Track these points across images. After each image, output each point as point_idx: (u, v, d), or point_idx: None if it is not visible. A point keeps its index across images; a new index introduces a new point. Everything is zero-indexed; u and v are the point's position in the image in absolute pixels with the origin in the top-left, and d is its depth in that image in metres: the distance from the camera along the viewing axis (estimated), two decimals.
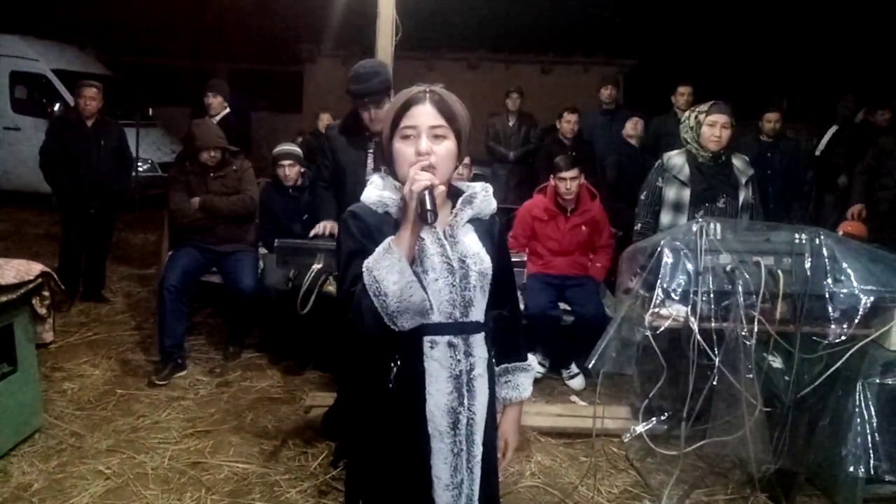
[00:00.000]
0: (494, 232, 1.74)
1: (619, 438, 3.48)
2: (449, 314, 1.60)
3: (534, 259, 4.33)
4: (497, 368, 1.80)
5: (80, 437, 3.41)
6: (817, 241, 2.87)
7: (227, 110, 5.90)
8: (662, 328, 2.76)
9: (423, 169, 1.51)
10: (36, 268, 3.30)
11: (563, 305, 4.32)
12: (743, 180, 3.57)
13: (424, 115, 1.57)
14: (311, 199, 3.80)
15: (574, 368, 4.30)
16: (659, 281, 2.80)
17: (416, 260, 1.54)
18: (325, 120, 7.07)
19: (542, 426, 3.68)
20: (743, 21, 11.08)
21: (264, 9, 11.96)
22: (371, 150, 3.06)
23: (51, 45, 9.84)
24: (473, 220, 1.69)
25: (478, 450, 1.66)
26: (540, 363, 4.37)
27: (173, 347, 4.16)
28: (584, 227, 4.40)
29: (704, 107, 3.53)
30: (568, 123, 6.12)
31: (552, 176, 4.39)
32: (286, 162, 4.51)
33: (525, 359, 1.88)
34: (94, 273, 5.53)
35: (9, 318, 3.20)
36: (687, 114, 3.68)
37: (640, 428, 2.97)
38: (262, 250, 4.63)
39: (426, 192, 1.47)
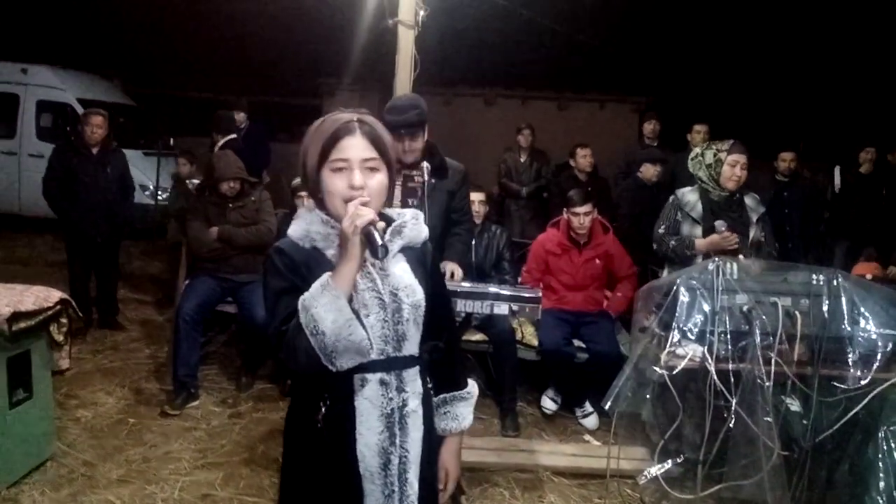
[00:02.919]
0: (427, 261, 1.70)
1: (633, 480, 3.42)
2: (381, 350, 1.55)
3: (548, 294, 4.30)
4: (435, 399, 1.74)
5: (92, 466, 3.41)
6: (835, 282, 2.85)
7: (230, 136, 5.96)
8: (679, 368, 2.74)
9: (362, 204, 1.48)
10: (55, 295, 3.34)
11: (577, 342, 4.29)
12: (754, 218, 3.59)
13: (356, 147, 1.53)
14: None
15: (588, 407, 4.25)
16: (675, 320, 2.79)
17: (351, 297, 1.49)
18: None
19: (555, 466, 3.64)
20: (759, 61, 11.14)
21: (285, 43, 12.19)
22: (399, 182, 3.08)
23: (77, 76, 10.08)
24: (405, 250, 1.65)
25: (412, 489, 1.60)
26: (552, 399, 4.33)
27: (187, 377, 4.17)
28: (597, 261, 4.38)
29: (724, 145, 3.53)
30: (584, 159, 6.16)
31: (565, 210, 4.38)
32: (303, 193, 4.56)
33: (464, 387, 1.81)
34: (107, 300, 5.56)
35: (26, 345, 3.22)
36: (697, 151, 3.67)
37: (656, 470, 2.92)
38: None
39: (371, 227, 1.44)
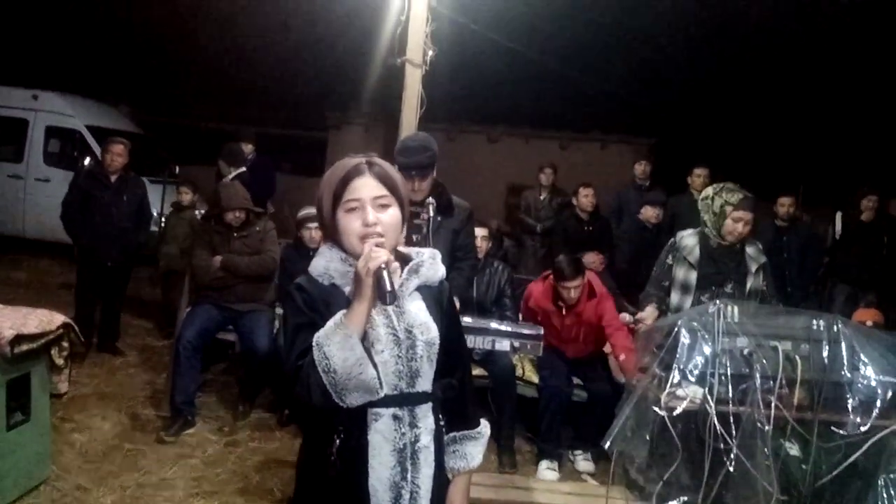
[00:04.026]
0: (443, 299, 1.73)
1: None
2: (394, 386, 1.57)
3: (548, 336, 4.27)
4: (446, 437, 1.75)
5: (86, 490, 3.38)
6: (835, 328, 2.88)
7: (240, 170, 5.98)
8: (679, 409, 2.74)
9: (377, 245, 1.51)
10: (58, 318, 3.35)
11: (576, 380, 4.28)
12: (753, 268, 3.50)
13: (367, 186, 1.58)
14: None
15: (584, 450, 4.21)
16: (676, 361, 2.81)
17: (365, 334, 1.52)
18: None
19: None
20: (761, 104, 11.31)
21: (294, 75, 12.38)
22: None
23: (86, 102, 10.21)
24: (422, 288, 1.68)
25: None
26: (586, 460, 4.20)
27: (184, 404, 4.16)
28: (583, 322, 4.20)
29: (733, 197, 3.41)
30: (586, 198, 6.21)
31: (554, 277, 4.13)
32: (312, 225, 4.60)
33: (475, 426, 1.82)
34: (109, 325, 5.57)
35: (27, 367, 3.22)
36: (709, 192, 3.54)
37: None
38: (279, 310, 4.67)
39: (383, 271, 1.47)
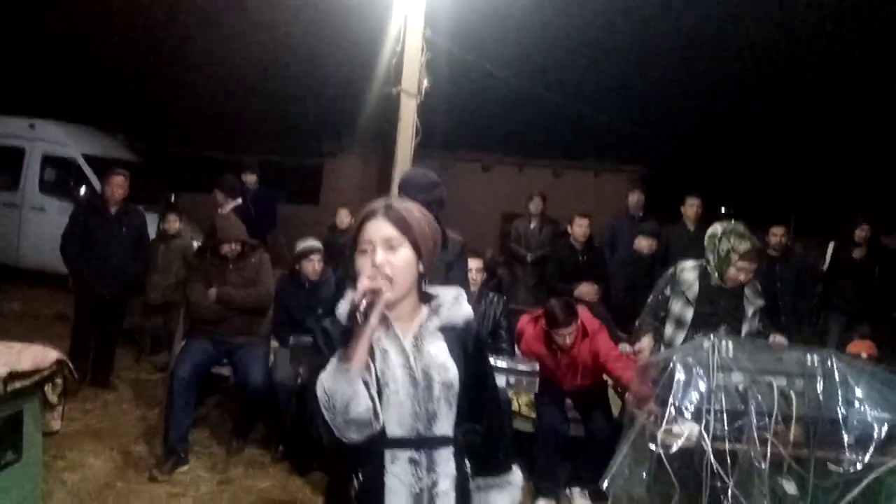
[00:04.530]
0: (469, 341, 1.72)
1: None
2: (411, 427, 1.58)
3: (543, 370, 4.23)
4: (471, 484, 1.73)
5: None
6: (829, 363, 2.89)
7: (237, 202, 5.98)
8: (675, 447, 2.74)
9: (375, 279, 1.54)
10: (52, 355, 3.32)
11: (573, 414, 4.26)
12: (750, 312, 3.49)
13: (377, 229, 1.62)
14: (338, 296, 3.81)
15: (581, 488, 4.17)
16: (671, 397, 2.81)
17: (371, 369, 1.53)
18: (342, 215, 7.23)
19: None
20: (754, 134, 11.45)
21: (289, 104, 12.49)
22: None
23: (83, 131, 10.24)
24: (446, 329, 1.68)
25: None
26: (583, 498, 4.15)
27: (177, 441, 4.11)
28: (577, 364, 4.09)
29: (741, 246, 3.36)
30: (580, 228, 6.22)
31: (547, 324, 3.99)
32: (314, 257, 4.60)
33: (503, 473, 1.79)
34: (104, 358, 5.54)
35: (20, 405, 3.18)
36: (717, 231, 3.47)
37: None
38: (274, 343, 4.66)
39: (363, 300, 1.50)
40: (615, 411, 4.25)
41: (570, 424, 4.21)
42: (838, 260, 6.22)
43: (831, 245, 6.35)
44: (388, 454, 1.57)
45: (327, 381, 1.48)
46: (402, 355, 1.60)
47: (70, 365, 3.43)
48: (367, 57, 6.78)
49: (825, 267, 6.39)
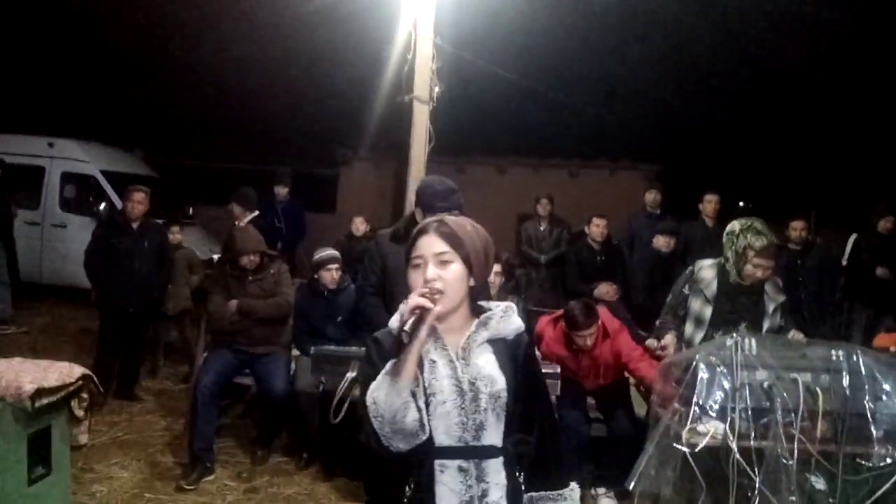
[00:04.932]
0: (519, 353, 1.74)
1: None
2: (459, 437, 1.60)
3: (564, 371, 4.21)
4: (525, 497, 1.73)
5: None
6: (854, 357, 2.85)
7: (254, 214, 6.00)
8: (700, 446, 2.71)
9: (429, 294, 1.57)
10: (77, 370, 3.37)
11: (595, 414, 4.24)
12: (770, 308, 3.43)
13: (429, 244, 1.67)
14: (358, 304, 3.84)
15: (606, 488, 4.16)
16: (695, 396, 2.78)
17: (419, 381, 1.57)
18: (358, 223, 7.27)
19: None
20: (771, 128, 11.32)
21: (303, 114, 12.57)
22: None
23: (100, 148, 10.40)
24: (496, 341, 1.71)
25: None
26: (609, 497, 4.11)
27: (202, 451, 4.16)
28: (599, 364, 4.07)
29: (757, 242, 3.30)
30: (597, 228, 6.21)
31: (567, 326, 3.96)
32: (332, 266, 4.62)
33: (559, 487, 1.78)
34: (129, 371, 5.61)
35: (48, 421, 3.23)
36: (735, 228, 3.42)
37: None
38: (295, 352, 4.69)
39: (413, 314, 1.55)
40: (638, 410, 4.23)
41: (592, 425, 4.20)
42: (859, 249, 6.13)
43: (852, 237, 6.25)
44: (437, 464, 1.60)
45: (377, 391, 1.52)
46: (449, 366, 1.63)
47: (95, 379, 3.48)
48: (378, 66, 6.81)
49: (845, 260, 6.30)
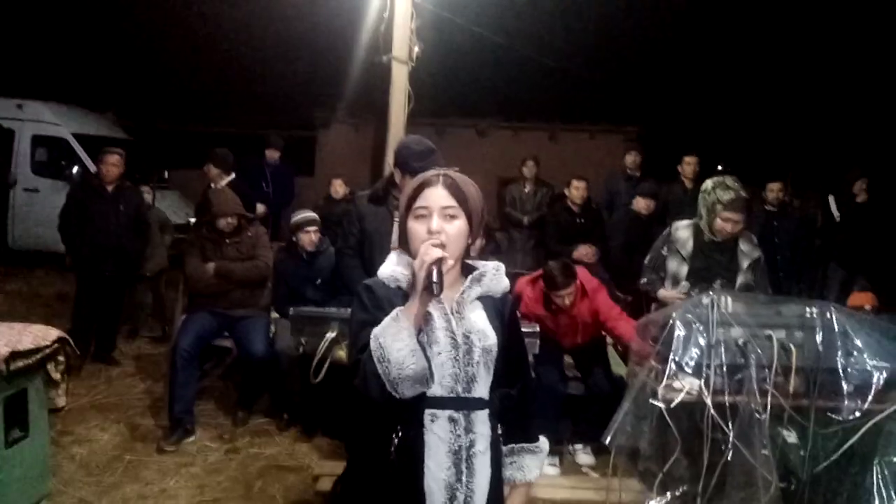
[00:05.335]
0: (505, 311, 1.78)
1: None
2: (451, 388, 1.63)
3: (542, 329, 4.24)
4: (504, 448, 1.80)
5: (89, 503, 3.38)
6: (828, 314, 2.89)
7: (231, 177, 5.89)
8: (676, 401, 2.76)
9: (433, 245, 1.58)
10: (53, 333, 3.33)
11: (572, 373, 4.30)
12: (745, 264, 3.52)
13: (436, 196, 1.66)
14: (337, 266, 3.84)
15: (584, 444, 4.23)
16: (672, 353, 2.82)
17: (422, 331, 1.59)
18: (337, 186, 7.21)
19: (553, 498, 3.62)
20: (749, 90, 11.34)
21: (280, 75, 12.34)
22: (397, 220, 3.13)
23: (71, 110, 10.16)
24: (484, 298, 1.74)
25: None
26: (586, 454, 4.20)
27: (183, 413, 4.16)
28: (577, 323, 4.11)
29: (725, 196, 3.40)
30: (577, 191, 6.21)
31: (546, 286, 3.99)
32: (311, 228, 4.58)
33: (534, 440, 1.86)
34: (106, 335, 5.57)
35: (23, 383, 3.21)
36: (708, 185, 3.52)
37: (655, 502, 2.92)
38: (274, 314, 4.67)
39: (433, 266, 1.53)
40: (615, 369, 4.29)
41: (570, 383, 4.26)
42: (837, 213, 6.20)
43: (832, 198, 6.31)
44: (427, 413, 1.62)
45: (383, 336, 1.52)
46: (444, 319, 1.65)
47: (71, 342, 3.45)
48: (356, 25, 6.67)
49: (824, 221, 6.36)
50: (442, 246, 1.59)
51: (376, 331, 1.54)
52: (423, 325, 1.60)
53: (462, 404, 1.64)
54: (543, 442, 1.89)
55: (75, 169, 9.32)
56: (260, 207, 7.02)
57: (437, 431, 1.62)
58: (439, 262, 1.54)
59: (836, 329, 2.83)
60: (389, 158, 5.41)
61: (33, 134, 9.54)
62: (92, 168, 8.00)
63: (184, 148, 12.34)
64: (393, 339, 1.51)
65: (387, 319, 1.55)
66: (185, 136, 13.10)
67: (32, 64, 11.89)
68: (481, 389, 1.67)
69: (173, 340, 4.42)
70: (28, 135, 9.53)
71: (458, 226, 1.66)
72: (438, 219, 1.64)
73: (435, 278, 1.52)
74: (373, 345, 1.52)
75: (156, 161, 10.71)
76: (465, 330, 1.66)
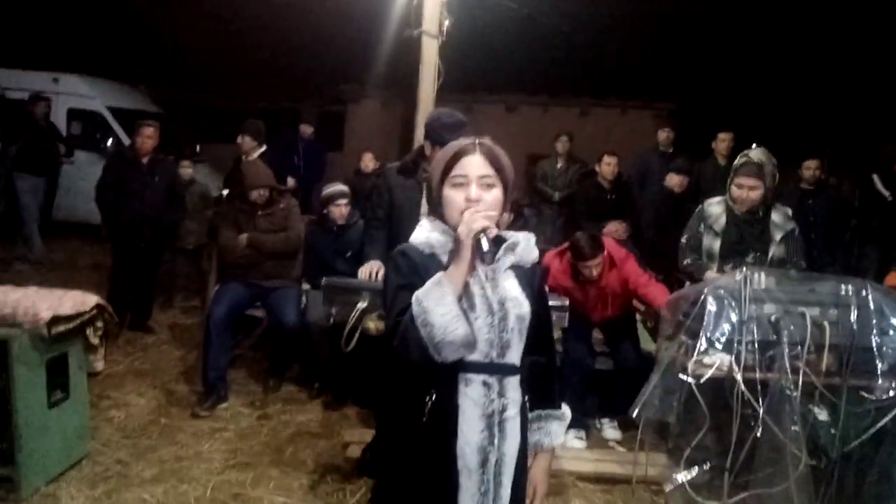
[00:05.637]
0: (535, 281, 1.80)
1: (658, 487, 3.42)
2: (486, 354, 1.65)
3: (571, 302, 4.25)
4: (530, 414, 1.83)
5: (126, 464, 3.49)
6: (863, 292, 2.84)
7: (263, 148, 5.97)
8: (706, 377, 2.75)
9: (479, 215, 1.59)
10: (91, 299, 3.43)
11: (601, 349, 4.30)
12: (778, 236, 3.49)
13: (475, 164, 1.66)
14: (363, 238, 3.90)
15: (610, 419, 4.25)
16: (703, 329, 2.80)
17: (461, 298, 1.60)
18: (367, 160, 7.23)
19: (580, 471, 3.66)
20: (785, 66, 11.05)
21: (310, 50, 12.31)
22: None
23: (106, 84, 10.28)
24: (515, 268, 1.75)
25: (505, 491, 1.68)
26: (613, 428, 4.24)
27: (217, 379, 4.26)
28: (606, 294, 4.10)
29: (739, 161, 3.46)
30: (608, 166, 6.16)
31: (573, 256, 3.97)
32: (342, 201, 4.62)
33: (559, 407, 1.90)
34: (142, 304, 5.70)
35: (65, 348, 3.32)
36: (737, 159, 3.56)
37: (682, 477, 2.93)
38: (305, 286, 4.73)
39: (483, 235, 1.54)
40: (644, 346, 4.28)
41: (598, 358, 4.27)
42: (888, 192, 6.02)
43: (877, 178, 6.13)
44: (461, 377, 1.65)
45: (427, 300, 1.52)
46: (478, 285, 1.66)
47: (109, 308, 3.54)
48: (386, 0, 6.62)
49: (874, 198, 6.17)
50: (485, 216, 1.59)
51: (419, 294, 1.54)
52: (461, 292, 1.61)
53: (496, 369, 1.67)
54: (566, 409, 1.92)
55: (110, 141, 9.46)
56: (290, 181, 7.10)
57: (472, 395, 1.65)
58: (486, 230, 1.55)
59: (872, 307, 2.79)
60: (418, 133, 5.40)
61: (69, 107, 9.68)
62: (126, 141, 8.12)
63: (214, 122, 12.45)
64: (437, 304, 1.52)
65: (429, 284, 1.55)
66: (215, 111, 13.21)
67: (66, 37, 12.02)
68: (514, 356, 1.70)
69: (207, 309, 4.50)
70: (63, 108, 9.66)
71: (496, 194, 1.68)
72: (476, 187, 1.64)
73: (486, 247, 1.54)
74: (416, 309, 1.53)
75: (187, 135, 10.83)
76: (500, 297, 1.68)
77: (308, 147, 7.48)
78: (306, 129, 7.48)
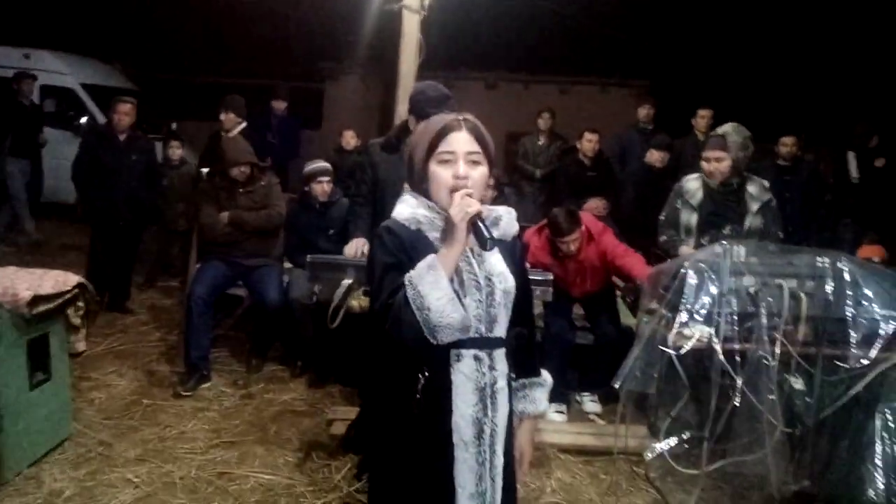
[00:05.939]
0: (516, 254, 1.83)
1: (639, 458, 3.50)
2: (475, 329, 1.67)
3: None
4: (514, 383, 1.86)
5: (109, 445, 3.48)
6: (839, 264, 2.91)
7: (243, 125, 5.90)
8: (686, 348, 2.80)
9: (466, 195, 1.59)
10: (73, 279, 3.39)
11: (581, 323, 4.36)
12: (754, 208, 3.58)
13: (462, 141, 1.66)
14: (347, 214, 3.87)
15: (590, 392, 4.31)
16: (683, 302, 2.85)
17: (452, 278, 1.60)
18: (348, 137, 7.17)
19: (561, 443, 3.72)
20: (763, 43, 11.12)
21: (288, 26, 12.14)
22: None
23: (80, 60, 10.06)
24: (498, 242, 1.74)
25: (499, 460, 1.71)
26: (593, 402, 4.29)
27: (199, 359, 4.24)
28: (585, 268, 4.15)
29: (706, 139, 3.59)
30: (589, 143, 6.17)
31: (551, 232, 4.01)
32: (324, 179, 4.59)
33: (540, 374, 1.94)
34: (120, 284, 5.64)
35: (45, 328, 3.29)
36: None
37: (662, 446, 3.00)
38: (287, 264, 4.72)
39: (478, 218, 1.56)
40: (624, 320, 4.34)
41: (578, 332, 4.32)
42: (856, 175, 6.14)
43: (852, 156, 6.22)
44: (453, 353, 1.66)
45: (420, 284, 1.53)
46: (465, 262, 1.67)
47: (90, 287, 3.51)
48: None
49: (848, 177, 6.29)
50: (470, 194, 1.60)
51: (412, 277, 1.54)
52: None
53: (485, 343, 1.69)
54: (547, 375, 1.96)
55: (83, 119, 9.28)
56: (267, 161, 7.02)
57: (464, 370, 1.67)
58: (481, 214, 1.57)
59: (847, 279, 2.86)
60: (400, 109, 5.37)
61: (41, 84, 9.45)
62: (100, 118, 7.97)
63: (189, 99, 12.24)
64: (432, 288, 1.52)
65: (422, 266, 1.55)
66: (191, 88, 12.99)
67: (37, 12, 11.73)
68: (500, 329, 1.73)
69: (188, 288, 4.47)
70: (36, 85, 9.42)
71: (482, 171, 1.69)
72: (465, 164, 1.65)
73: (486, 233, 1.55)
74: (409, 292, 1.53)
75: (162, 112, 10.66)
76: (486, 273, 1.70)
77: (281, 123, 7.35)
78: (279, 105, 7.33)
